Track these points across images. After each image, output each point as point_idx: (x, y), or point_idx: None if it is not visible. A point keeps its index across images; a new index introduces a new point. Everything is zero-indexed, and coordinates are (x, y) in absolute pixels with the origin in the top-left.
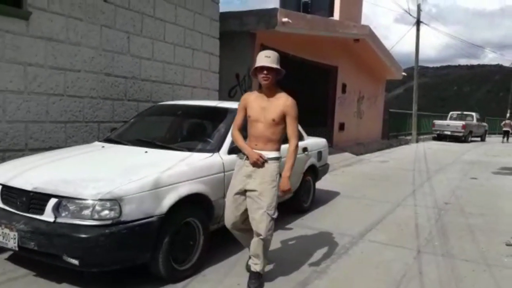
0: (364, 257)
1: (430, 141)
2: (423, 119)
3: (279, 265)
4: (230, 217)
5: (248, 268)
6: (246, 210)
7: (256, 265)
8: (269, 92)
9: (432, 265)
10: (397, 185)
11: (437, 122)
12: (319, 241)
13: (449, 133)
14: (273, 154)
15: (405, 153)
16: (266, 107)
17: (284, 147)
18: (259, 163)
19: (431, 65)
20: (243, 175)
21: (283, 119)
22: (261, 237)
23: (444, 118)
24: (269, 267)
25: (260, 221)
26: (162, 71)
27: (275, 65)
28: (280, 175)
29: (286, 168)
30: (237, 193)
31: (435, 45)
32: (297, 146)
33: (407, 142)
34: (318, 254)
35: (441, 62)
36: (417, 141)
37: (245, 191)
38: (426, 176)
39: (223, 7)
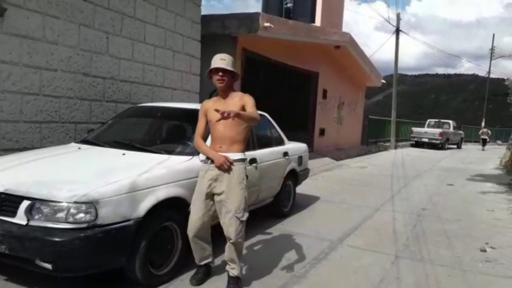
0: (343, 262)
1: (408, 148)
2: (402, 126)
3: (257, 270)
4: (197, 223)
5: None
6: (212, 217)
7: (233, 270)
8: (225, 94)
9: (409, 270)
10: (375, 190)
11: (415, 129)
12: (298, 246)
13: (426, 140)
14: (239, 155)
15: (383, 159)
16: (225, 108)
17: (266, 151)
18: (225, 166)
19: (409, 73)
20: (209, 179)
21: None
22: (231, 241)
23: (422, 125)
24: (247, 273)
25: (229, 224)
26: (142, 72)
27: (230, 68)
28: (247, 177)
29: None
30: (206, 198)
31: (414, 53)
32: (256, 116)
33: (385, 148)
34: (297, 259)
35: (419, 71)
36: (395, 148)
37: (213, 195)
38: (404, 182)
39: (205, 10)
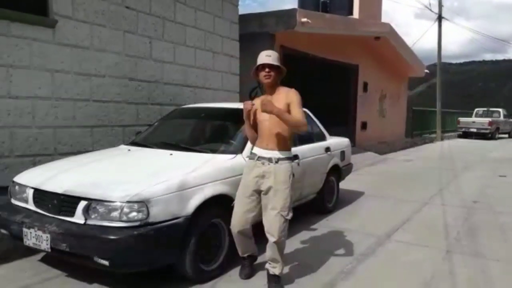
0: (391, 258)
1: (455, 139)
2: (448, 116)
3: (304, 266)
4: (241, 219)
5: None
6: (257, 213)
7: (275, 268)
8: (272, 90)
9: (462, 265)
10: (423, 184)
11: (462, 119)
12: (344, 241)
13: (475, 130)
14: (285, 154)
15: (430, 151)
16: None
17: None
18: (248, 107)
19: (454, 61)
20: (255, 176)
21: (289, 111)
22: (274, 239)
23: (470, 115)
24: (294, 268)
25: (273, 222)
26: (184, 74)
27: (276, 63)
28: (293, 175)
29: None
30: (252, 194)
31: (459, 40)
32: (300, 121)
33: (431, 140)
34: (344, 255)
35: (465, 58)
36: (442, 139)
37: (260, 191)
38: (452, 175)
39: (241, 9)
